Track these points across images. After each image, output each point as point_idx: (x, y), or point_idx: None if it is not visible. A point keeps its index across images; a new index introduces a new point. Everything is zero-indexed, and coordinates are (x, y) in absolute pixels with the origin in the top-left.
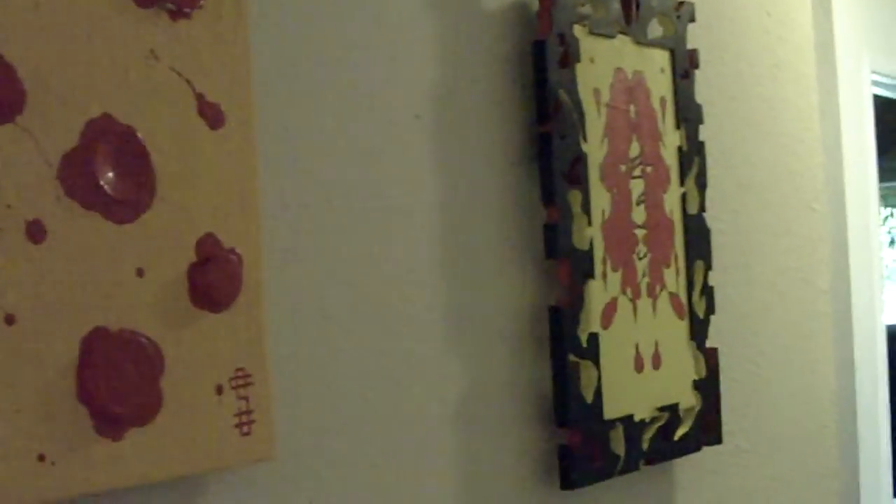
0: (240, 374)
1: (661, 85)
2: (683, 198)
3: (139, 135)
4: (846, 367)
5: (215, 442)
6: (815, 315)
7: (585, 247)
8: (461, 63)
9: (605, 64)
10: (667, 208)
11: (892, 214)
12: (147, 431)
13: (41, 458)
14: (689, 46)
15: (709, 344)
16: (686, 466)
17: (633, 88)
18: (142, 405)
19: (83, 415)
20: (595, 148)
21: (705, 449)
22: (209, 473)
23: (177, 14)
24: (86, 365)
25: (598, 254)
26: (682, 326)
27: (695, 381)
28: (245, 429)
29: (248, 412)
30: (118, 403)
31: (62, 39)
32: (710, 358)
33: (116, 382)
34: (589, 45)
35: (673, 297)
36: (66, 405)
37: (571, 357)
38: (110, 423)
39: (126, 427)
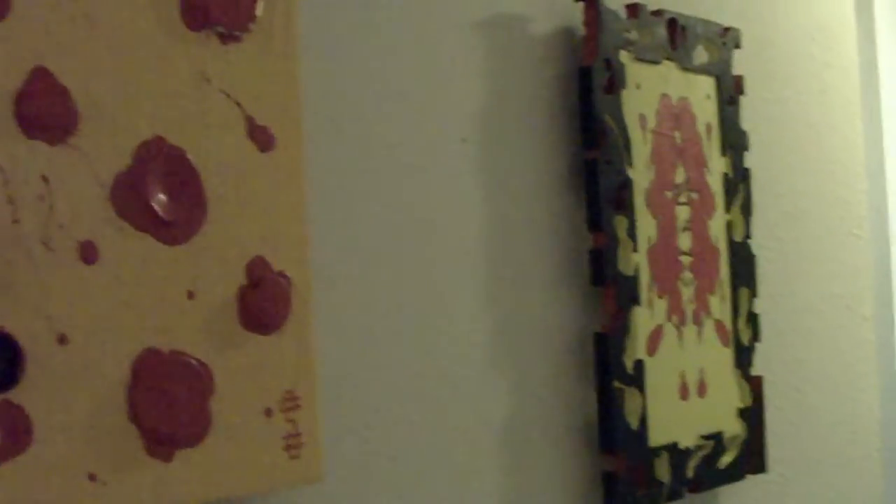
0: (288, 396)
1: (706, 111)
2: (729, 224)
3: (190, 157)
4: (890, 394)
5: (263, 464)
6: (859, 342)
7: (631, 273)
8: (508, 88)
9: (651, 90)
10: (712, 235)
11: None
12: (196, 453)
13: (92, 477)
14: (735, 72)
15: (753, 371)
16: (730, 495)
17: (678, 114)
18: (192, 427)
19: (134, 435)
20: (641, 174)
21: (749, 477)
22: (257, 495)
23: (227, 37)
24: (137, 386)
25: (644, 280)
26: (727, 354)
27: (739, 409)
28: (293, 451)
29: (297, 435)
30: (168, 425)
31: (115, 62)
32: (755, 386)
33: (167, 404)
34: (635, 70)
35: (718, 324)
36: (117, 425)
37: (617, 384)
38: (160, 444)
39: (176, 448)
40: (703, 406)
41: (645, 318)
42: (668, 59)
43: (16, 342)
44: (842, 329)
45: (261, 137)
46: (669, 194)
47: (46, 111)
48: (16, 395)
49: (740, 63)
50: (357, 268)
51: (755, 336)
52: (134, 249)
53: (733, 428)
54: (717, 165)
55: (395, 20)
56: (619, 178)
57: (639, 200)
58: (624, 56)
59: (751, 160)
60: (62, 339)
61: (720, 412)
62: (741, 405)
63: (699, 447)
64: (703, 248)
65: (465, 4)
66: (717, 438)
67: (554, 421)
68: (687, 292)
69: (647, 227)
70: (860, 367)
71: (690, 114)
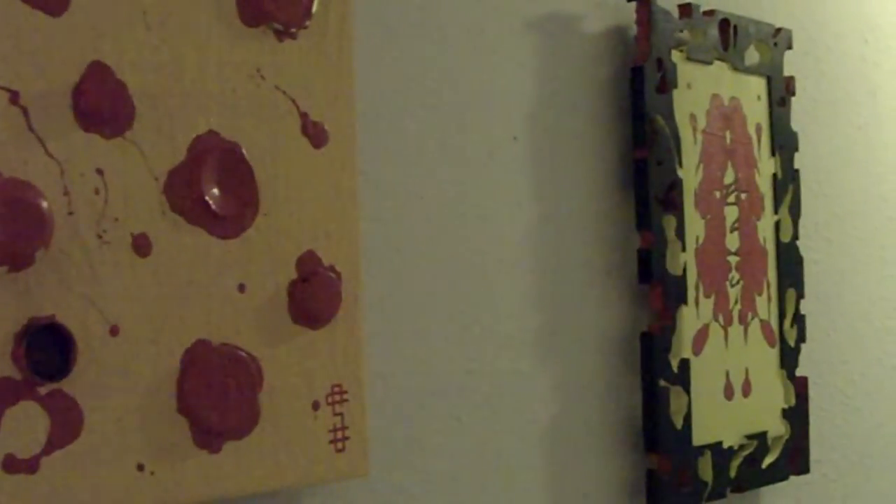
0: (336, 390)
1: (757, 112)
2: (777, 225)
3: (244, 151)
4: None
5: (310, 457)
6: None
7: (679, 272)
8: (559, 87)
9: (702, 90)
10: (760, 236)
11: None
12: (244, 445)
13: (140, 467)
14: (786, 73)
15: (798, 372)
16: (772, 495)
17: (729, 115)
18: (240, 419)
19: (183, 426)
20: (690, 174)
21: (792, 478)
22: (303, 488)
23: (283, 34)
24: (187, 377)
25: (691, 280)
26: (773, 354)
27: (784, 410)
28: (339, 445)
29: (343, 428)
30: (217, 416)
31: (172, 58)
32: (800, 387)
33: (216, 396)
34: (686, 70)
35: (764, 324)
36: (167, 416)
37: (662, 382)
38: (209, 436)
39: (224, 440)
40: (748, 406)
41: (691, 318)
42: (719, 59)
43: (68, 333)
44: (888, 332)
45: (314, 133)
46: (718, 194)
47: (103, 105)
48: (67, 384)
49: (791, 64)
50: (406, 263)
51: (801, 337)
52: (187, 243)
53: (777, 428)
54: (767, 166)
55: (448, 18)
56: (669, 177)
57: (688, 200)
58: (676, 56)
59: (800, 161)
60: (114, 331)
61: (764, 412)
62: (785, 405)
63: (743, 447)
64: (751, 248)
65: (518, 3)
66: (760, 438)
67: (599, 419)
68: (734, 292)
69: (695, 226)
70: None
71: (741, 114)
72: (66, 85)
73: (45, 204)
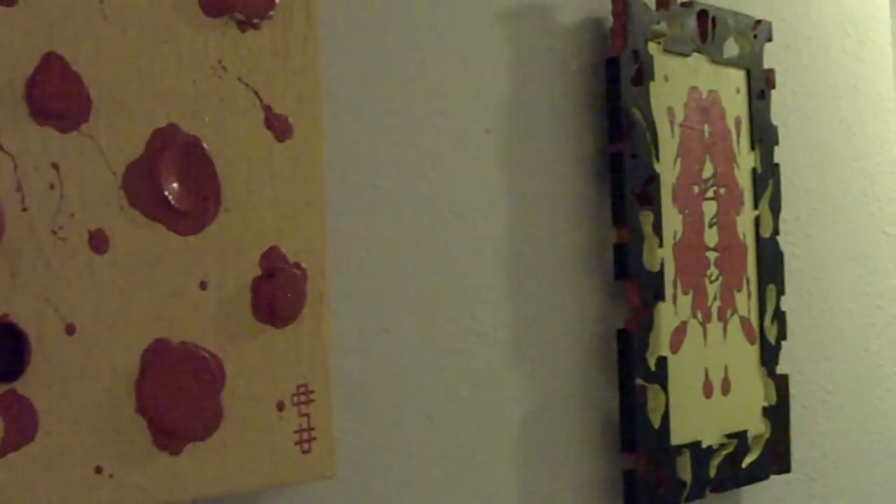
0: (302, 390)
1: (736, 105)
2: (757, 220)
3: (205, 145)
4: None
5: (275, 458)
6: (888, 342)
7: (656, 268)
8: (533, 78)
9: (680, 82)
10: (739, 231)
11: None
12: (206, 446)
13: (98, 470)
14: (766, 66)
15: (779, 370)
16: (753, 495)
17: (707, 108)
18: (202, 420)
19: (142, 428)
20: (667, 168)
21: (773, 477)
22: (268, 490)
23: (246, 25)
24: (146, 377)
25: (669, 276)
26: (753, 352)
27: (764, 408)
28: (305, 446)
29: (309, 429)
30: (178, 417)
31: (130, 49)
32: (781, 384)
33: (176, 396)
34: (663, 62)
35: (744, 321)
36: (125, 417)
37: (639, 381)
38: (169, 437)
39: (185, 441)
40: (727, 404)
41: (669, 315)
42: (697, 51)
43: (22, 332)
44: (870, 328)
45: (278, 126)
46: (696, 189)
47: (58, 98)
48: (21, 385)
49: (771, 56)
50: (376, 260)
51: (782, 334)
52: (145, 239)
53: (757, 427)
54: (746, 160)
55: (418, 8)
56: (646, 171)
57: (665, 195)
58: (652, 47)
59: (780, 155)
60: (70, 329)
61: (744, 411)
62: (766, 404)
63: (722, 446)
64: (731, 244)
65: None
66: (740, 437)
67: (575, 418)
68: (713, 289)
69: (672, 222)
70: (889, 366)
71: (720, 107)
72: (20, 77)
73: None
